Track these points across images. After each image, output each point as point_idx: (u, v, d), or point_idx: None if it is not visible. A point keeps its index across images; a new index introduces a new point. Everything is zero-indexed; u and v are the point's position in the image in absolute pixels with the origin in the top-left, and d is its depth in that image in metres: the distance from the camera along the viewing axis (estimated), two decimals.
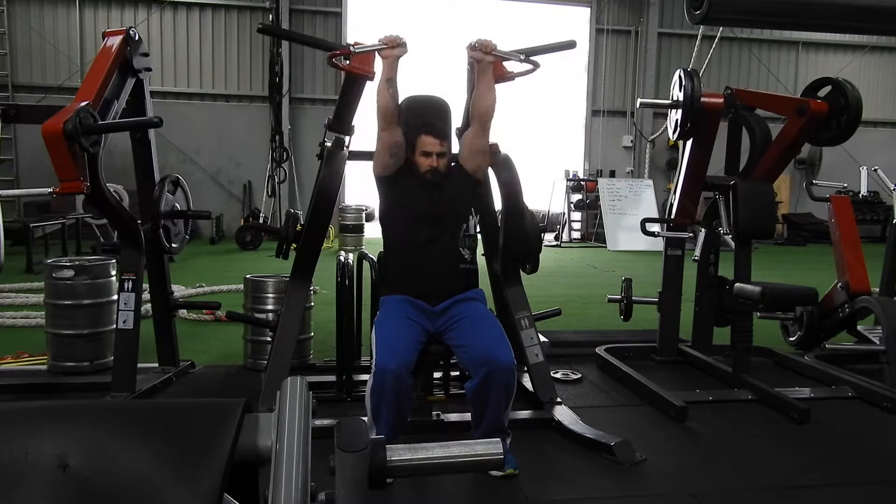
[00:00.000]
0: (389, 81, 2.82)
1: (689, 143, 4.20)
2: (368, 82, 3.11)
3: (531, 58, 2.82)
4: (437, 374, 3.32)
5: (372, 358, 2.72)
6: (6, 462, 0.84)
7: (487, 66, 2.86)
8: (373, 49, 2.85)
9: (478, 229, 3.12)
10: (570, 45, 3.56)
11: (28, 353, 4.38)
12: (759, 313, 3.90)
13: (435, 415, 3.20)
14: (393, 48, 2.78)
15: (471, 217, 3.01)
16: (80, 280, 3.85)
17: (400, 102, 3.26)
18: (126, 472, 0.84)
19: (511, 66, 3.07)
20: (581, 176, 14.82)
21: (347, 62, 3.01)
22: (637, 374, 3.92)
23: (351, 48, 2.89)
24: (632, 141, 15.18)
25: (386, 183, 2.98)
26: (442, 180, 2.95)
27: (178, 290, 6.15)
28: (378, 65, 2.93)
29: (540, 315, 3.79)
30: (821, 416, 3.43)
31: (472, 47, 2.83)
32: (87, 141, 2.86)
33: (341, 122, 3.38)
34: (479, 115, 2.95)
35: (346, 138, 3.41)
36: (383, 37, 2.82)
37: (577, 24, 15.12)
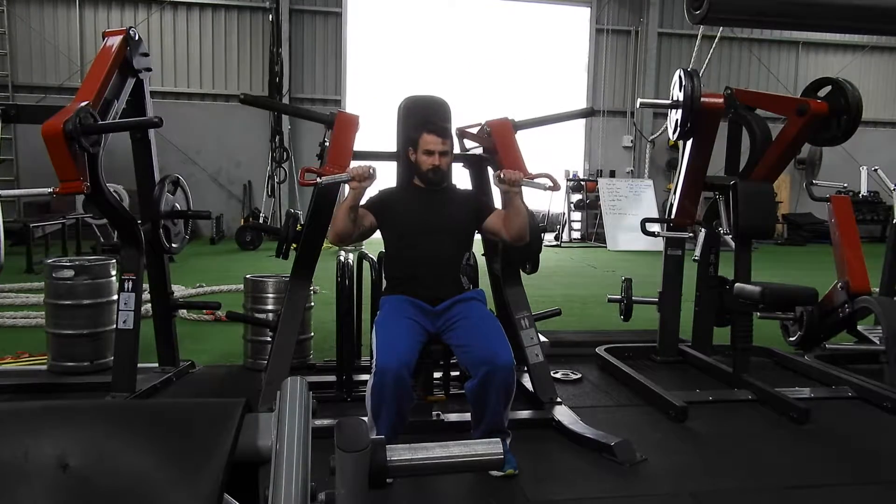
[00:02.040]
0: (352, 209, 2.78)
1: (689, 143, 4.20)
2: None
3: (547, 180, 2.82)
4: (437, 374, 3.32)
5: (372, 358, 2.72)
6: (6, 462, 0.84)
7: (515, 195, 2.85)
8: (340, 181, 2.84)
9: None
10: (590, 113, 4.24)
11: (28, 353, 4.38)
12: (759, 313, 3.90)
13: (435, 415, 3.20)
14: (361, 181, 2.73)
15: (471, 247, 3.04)
16: (80, 280, 3.84)
17: (400, 103, 3.27)
18: (126, 472, 0.84)
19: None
20: (581, 176, 14.83)
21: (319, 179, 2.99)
22: (637, 374, 3.92)
23: (318, 180, 2.90)
24: (632, 141, 15.18)
25: (380, 228, 3.00)
26: (442, 181, 2.96)
27: (178, 290, 6.15)
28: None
29: (540, 315, 3.79)
30: (821, 416, 3.42)
31: (500, 179, 2.82)
32: (87, 141, 2.86)
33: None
34: (514, 235, 2.92)
35: None
36: (352, 168, 2.78)
37: (577, 24, 15.12)
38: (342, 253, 3.65)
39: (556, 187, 2.81)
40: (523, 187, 2.85)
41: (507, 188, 2.80)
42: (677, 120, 4.06)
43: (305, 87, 13.79)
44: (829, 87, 3.84)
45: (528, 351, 3.36)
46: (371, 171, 2.72)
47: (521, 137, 3.35)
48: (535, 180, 2.81)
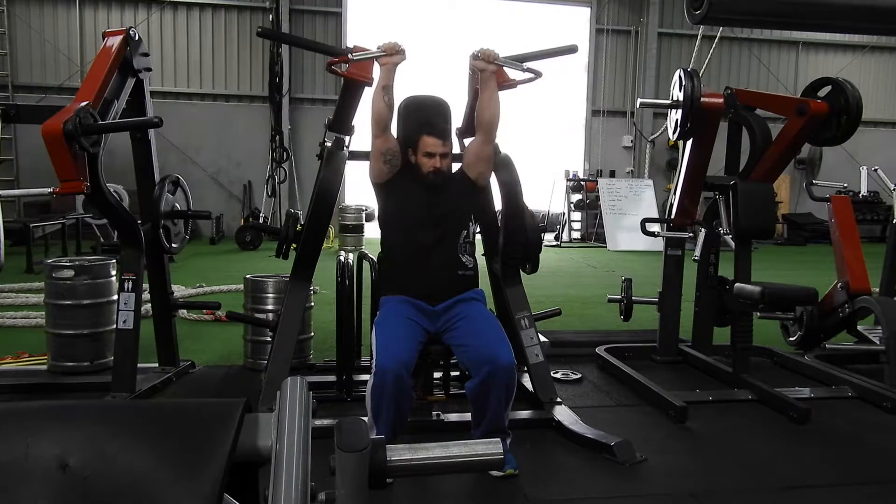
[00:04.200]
0: (386, 89, 2.81)
1: (689, 143, 4.20)
2: (367, 87, 3.12)
3: (533, 65, 2.82)
4: (437, 374, 3.32)
5: (372, 358, 2.72)
6: (6, 462, 0.84)
7: (490, 75, 2.85)
8: (371, 56, 2.85)
9: (477, 230, 3.12)
10: (572, 49, 3.59)
11: (28, 353, 4.38)
12: (759, 313, 3.90)
13: (435, 415, 3.20)
14: (391, 56, 2.77)
15: (471, 224, 3.01)
16: (80, 280, 3.84)
17: (399, 103, 3.26)
18: (126, 473, 0.84)
19: (513, 73, 3.07)
20: (581, 176, 14.83)
21: (346, 68, 3.01)
22: (637, 374, 3.92)
23: (350, 55, 2.89)
24: (632, 141, 15.18)
25: (383, 189, 2.98)
26: (444, 181, 2.96)
27: (178, 290, 6.15)
28: (376, 70, 2.93)
29: (540, 315, 3.79)
30: (821, 416, 3.43)
31: (475, 56, 2.82)
32: (87, 141, 2.86)
33: (341, 124, 3.39)
34: (484, 124, 2.94)
35: (346, 138, 3.41)
36: (382, 44, 2.82)
37: (577, 24, 15.12)
38: (342, 253, 3.65)
39: (538, 74, 2.79)
40: (505, 76, 2.81)
41: (484, 65, 2.80)
42: (677, 120, 4.07)
43: (305, 87, 13.79)
44: (829, 87, 3.84)
45: (528, 351, 3.36)
46: (400, 46, 2.73)
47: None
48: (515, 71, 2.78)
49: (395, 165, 2.93)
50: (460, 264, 2.93)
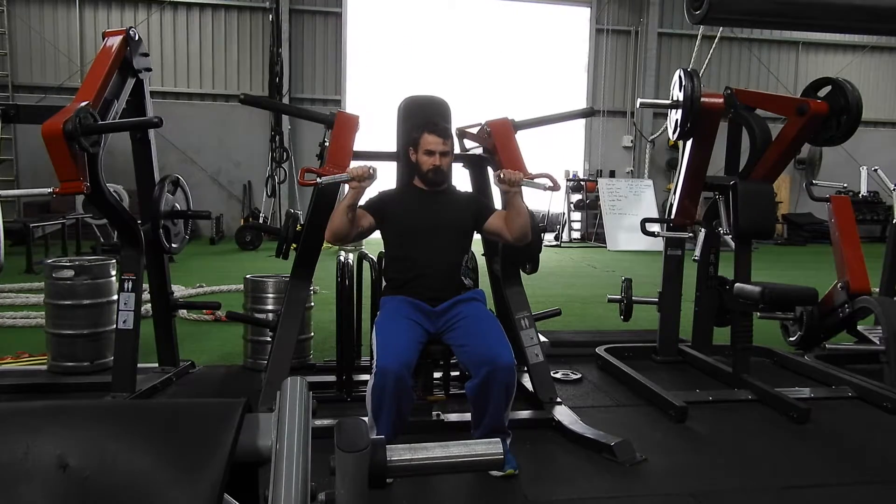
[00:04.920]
0: (350, 208, 2.76)
1: (689, 143, 4.20)
2: None
3: (552, 180, 2.83)
4: (437, 374, 3.32)
5: (372, 358, 2.72)
6: (6, 462, 0.84)
7: (515, 195, 2.84)
8: (340, 181, 2.82)
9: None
10: (590, 112, 4.16)
11: (28, 353, 4.38)
12: (759, 313, 3.90)
13: (435, 415, 3.20)
14: (361, 181, 2.72)
15: (471, 247, 3.03)
16: (80, 280, 3.84)
17: (400, 103, 3.26)
18: (126, 472, 0.84)
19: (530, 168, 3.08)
20: (581, 176, 14.84)
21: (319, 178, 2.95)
22: (637, 374, 3.92)
23: (318, 180, 2.87)
24: (632, 141, 15.19)
25: (379, 224, 2.98)
26: (443, 181, 2.97)
27: (178, 290, 6.15)
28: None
29: (540, 315, 3.79)
30: (821, 416, 3.43)
31: (500, 179, 2.81)
32: (87, 141, 2.86)
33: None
34: (517, 235, 2.91)
35: None
36: (352, 168, 2.77)
37: (577, 24, 15.12)
38: (342, 253, 3.65)
39: (556, 187, 2.81)
40: (523, 187, 2.85)
41: (507, 188, 2.80)
42: (677, 120, 4.06)
43: (305, 87, 13.79)
44: (829, 87, 3.84)
45: (528, 351, 3.36)
46: (371, 170, 2.72)
47: (521, 137, 3.36)
48: (535, 180, 2.81)
49: (371, 225, 2.93)
50: (462, 286, 2.94)
